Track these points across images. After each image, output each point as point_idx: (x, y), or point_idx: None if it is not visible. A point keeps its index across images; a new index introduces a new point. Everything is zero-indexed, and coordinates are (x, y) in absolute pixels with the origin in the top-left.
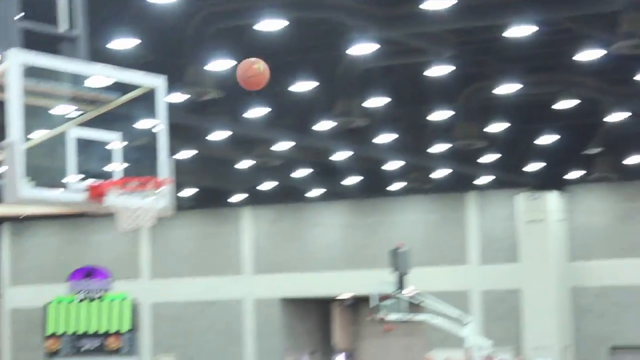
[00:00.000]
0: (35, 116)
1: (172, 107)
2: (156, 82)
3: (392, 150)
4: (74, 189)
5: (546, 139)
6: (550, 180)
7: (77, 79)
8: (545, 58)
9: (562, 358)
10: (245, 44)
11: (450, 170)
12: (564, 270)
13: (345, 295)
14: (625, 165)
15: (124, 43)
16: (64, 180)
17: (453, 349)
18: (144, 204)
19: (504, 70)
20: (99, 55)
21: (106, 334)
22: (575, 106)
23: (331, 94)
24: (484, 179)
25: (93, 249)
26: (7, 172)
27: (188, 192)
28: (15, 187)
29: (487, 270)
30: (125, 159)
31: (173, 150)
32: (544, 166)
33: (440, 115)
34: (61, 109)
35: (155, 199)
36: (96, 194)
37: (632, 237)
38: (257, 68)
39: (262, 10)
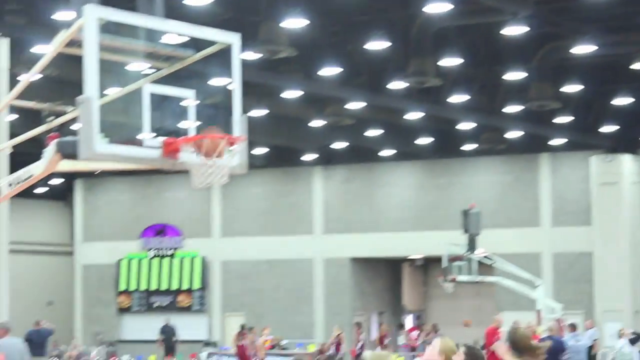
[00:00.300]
0: (110, 72)
1: (246, 65)
2: (231, 39)
3: (465, 110)
4: (148, 145)
5: (621, 101)
6: (624, 143)
7: (152, 36)
8: (622, 18)
9: (633, 322)
10: (320, 2)
11: (524, 132)
12: (637, 233)
13: (416, 256)
14: None
15: (199, 0)
16: (138, 137)
17: (523, 312)
18: (217, 162)
19: (580, 30)
20: (175, 11)
21: (177, 291)
22: None
23: (405, 53)
24: (557, 141)
25: (165, 206)
26: (82, 128)
27: (260, 150)
28: (90, 143)
29: (559, 233)
30: (199, 116)
31: (246, 108)
32: (619, 128)
33: (514, 75)
34: (136, 66)
35: (228, 157)
36: (170, 150)
37: None
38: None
39: None
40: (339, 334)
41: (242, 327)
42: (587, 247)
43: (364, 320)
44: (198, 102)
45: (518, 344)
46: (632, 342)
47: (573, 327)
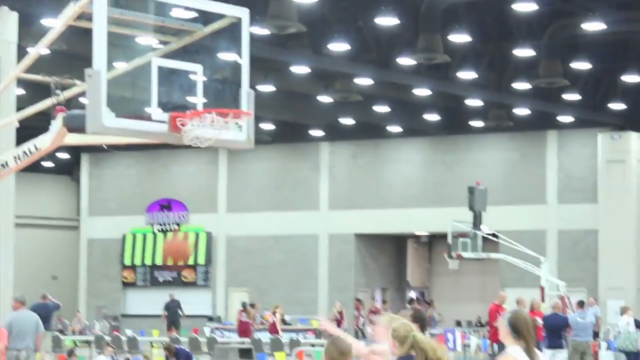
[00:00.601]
0: (119, 46)
1: (255, 40)
2: (240, 13)
3: (474, 87)
4: (156, 119)
5: (630, 78)
6: (632, 120)
7: (161, 9)
8: None
9: (636, 300)
10: None
11: (532, 109)
12: None
13: (421, 232)
14: None
15: None
16: (146, 111)
17: (527, 288)
18: (223, 135)
19: (589, 7)
20: None
21: (182, 267)
22: None
23: (414, 29)
24: (565, 118)
25: (171, 181)
26: (90, 101)
27: (268, 126)
28: (97, 116)
29: (565, 210)
30: (207, 91)
31: (254, 83)
32: (627, 106)
33: (523, 52)
34: (145, 40)
35: (234, 130)
36: (175, 120)
37: None
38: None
39: None
40: (340, 311)
41: (243, 305)
42: (592, 225)
43: (367, 296)
44: (206, 76)
45: (519, 328)
46: (637, 325)
47: (581, 305)
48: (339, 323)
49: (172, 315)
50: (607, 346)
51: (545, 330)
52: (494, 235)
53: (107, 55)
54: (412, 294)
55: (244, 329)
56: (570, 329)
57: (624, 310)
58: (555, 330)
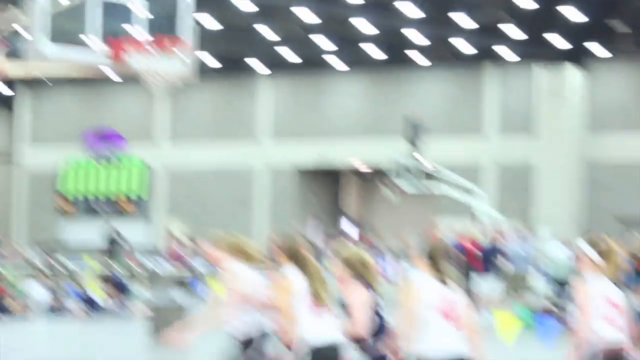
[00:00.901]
0: None
1: None
2: None
3: (415, 21)
4: (95, 47)
5: (570, 12)
6: (571, 54)
7: None
8: None
9: (570, 230)
10: None
11: (472, 42)
12: (580, 144)
13: (360, 165)
14: None
15: None
16: (86, 39)
17: (463, 218)
18: (165, 67)
19: None
20: None
21: (120, 198)
22: None
23: None
24: (504, 51)
25: (111, 113)
26: (31, 30)
27: (209, 58)
28: (38, 45)
29: (503, 143)
30: (149, 23)
31: (196, 16)
32: (566, 39)
33: None
34: None
35: (176, 62)
36: (117, 52)
37: None
38: None
39: None
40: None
41: (173, 234)
42: (530, 159)
43: (306, 229)
44: (147, 8)
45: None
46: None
47: (520, 236)
48: None
49: (111, 244)
50: (541, 275)
51: (482, 261)
52: (433, 167)
53: None
54: (346, 224)
55: (176, 257)
56: (504, 258)
57: (553, 236)
58: (491, 261)
